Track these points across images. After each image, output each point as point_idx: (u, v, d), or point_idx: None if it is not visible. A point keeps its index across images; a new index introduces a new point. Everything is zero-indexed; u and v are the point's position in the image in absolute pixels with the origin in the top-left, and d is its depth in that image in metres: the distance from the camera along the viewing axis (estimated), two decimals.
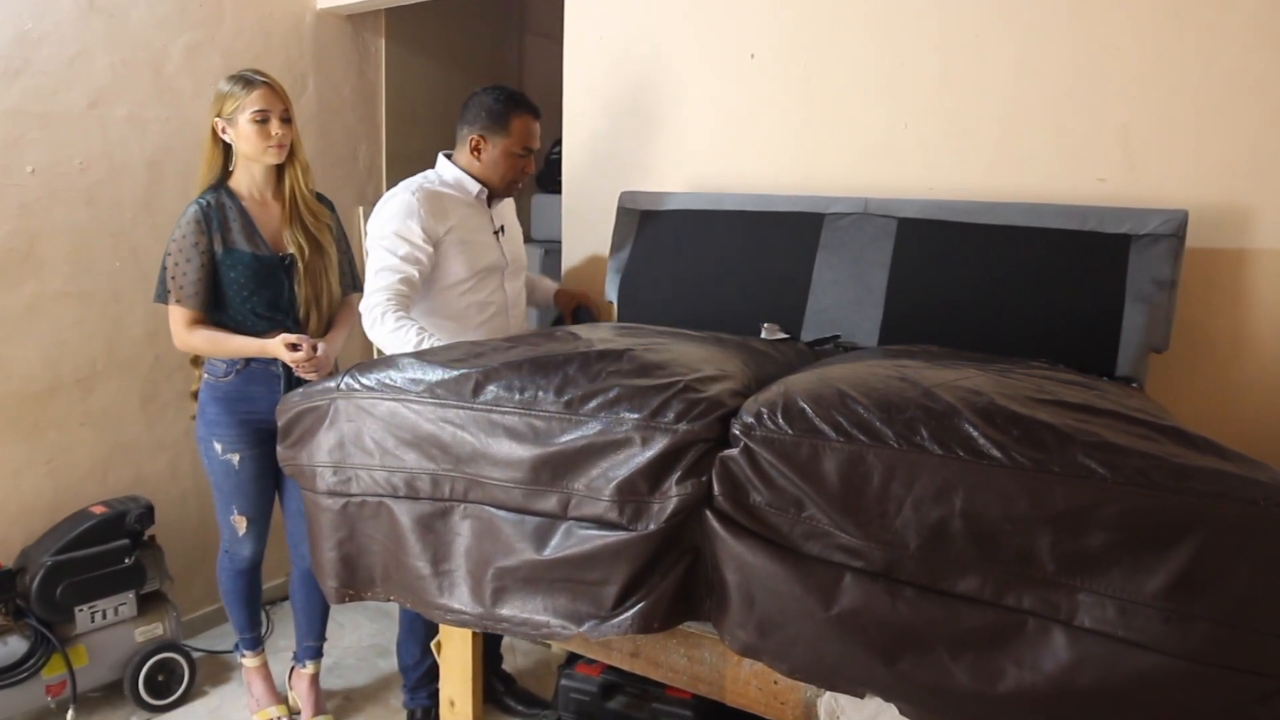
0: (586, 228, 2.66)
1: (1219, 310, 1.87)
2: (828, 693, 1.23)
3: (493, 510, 1.34)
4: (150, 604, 2.61)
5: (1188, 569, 0.95)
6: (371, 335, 2.04)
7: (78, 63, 2.57)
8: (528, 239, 2.62)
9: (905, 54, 2.14)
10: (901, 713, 1.11)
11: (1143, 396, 1.53)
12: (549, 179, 3.91)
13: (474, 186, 2.24)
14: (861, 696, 1.16)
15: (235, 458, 2.27)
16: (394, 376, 1.43)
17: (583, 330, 1.73)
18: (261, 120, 2.15)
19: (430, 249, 2.11)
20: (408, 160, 3.50)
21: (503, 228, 2.31)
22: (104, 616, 2.48)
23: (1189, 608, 0.95)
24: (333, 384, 1.48)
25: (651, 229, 2.27)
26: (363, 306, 2.06)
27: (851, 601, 1.09)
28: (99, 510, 2.52)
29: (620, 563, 1.22)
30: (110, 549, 2.47)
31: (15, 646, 2.33)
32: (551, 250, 3.28)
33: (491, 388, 1.34)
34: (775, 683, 1.30)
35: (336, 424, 1.47)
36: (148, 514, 2.56)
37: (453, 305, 2.20)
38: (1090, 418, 1.13)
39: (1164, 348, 1.74)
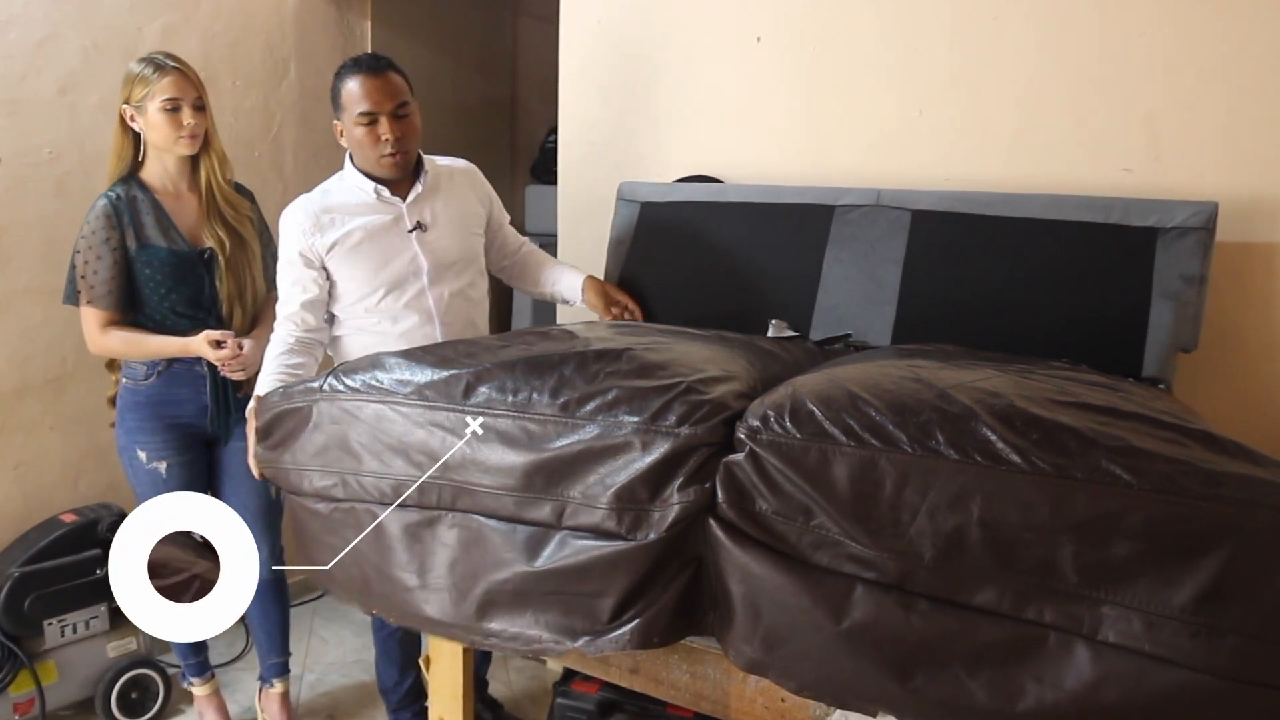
0: (583, 220, 2.66)
1: (1251, 308, 1.87)
2: (838, 711, 1.23)
3: (481, 519, 1.34)
4: (123, 618, 2.58)
5: (1217, 580, 0.95)
6: None
7: (47, 46, 2.56)
8: (522, 232, 2.58)
9: (920, 37, 2.14)
10: None
11: (1170, 399, 1.53)
12: (544, 169, 3.92)
13: (368, 183, 2.05)
14: (873, 715, 1.16)
15: (162, 465, 2.25)
16: (380, 377, 1.43)
17: (580, 328, 1.73)
18: (172, 109, 2.11)
19: (314, 271, 2.03)
20: None
21: (420, 224, 2.08)
22: (74, 630, 2.47)
23: (1219, 621, 0.95)
24: (315, 384, 1.49)
25: (653, 222, 2.27)
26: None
27: (863, 614, 1.09)
28: (69, 518, 2.51)
29: (617, 574, 1.22)
30: (81, 559, 2.47)
31: None
32: (547, 244, 3.28)
33: (483, 389, 1.34)
34: (783, 700, 1.30)
35: (321, 427, 1.47)
36: (121, 522, 2.56)
37: (363, 319, 2.09)
38: (1115, 421, 1.13)
39: (1192, 347, 1.74)
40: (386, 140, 1.98)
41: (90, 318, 2.16)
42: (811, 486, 1.12)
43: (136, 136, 2.19)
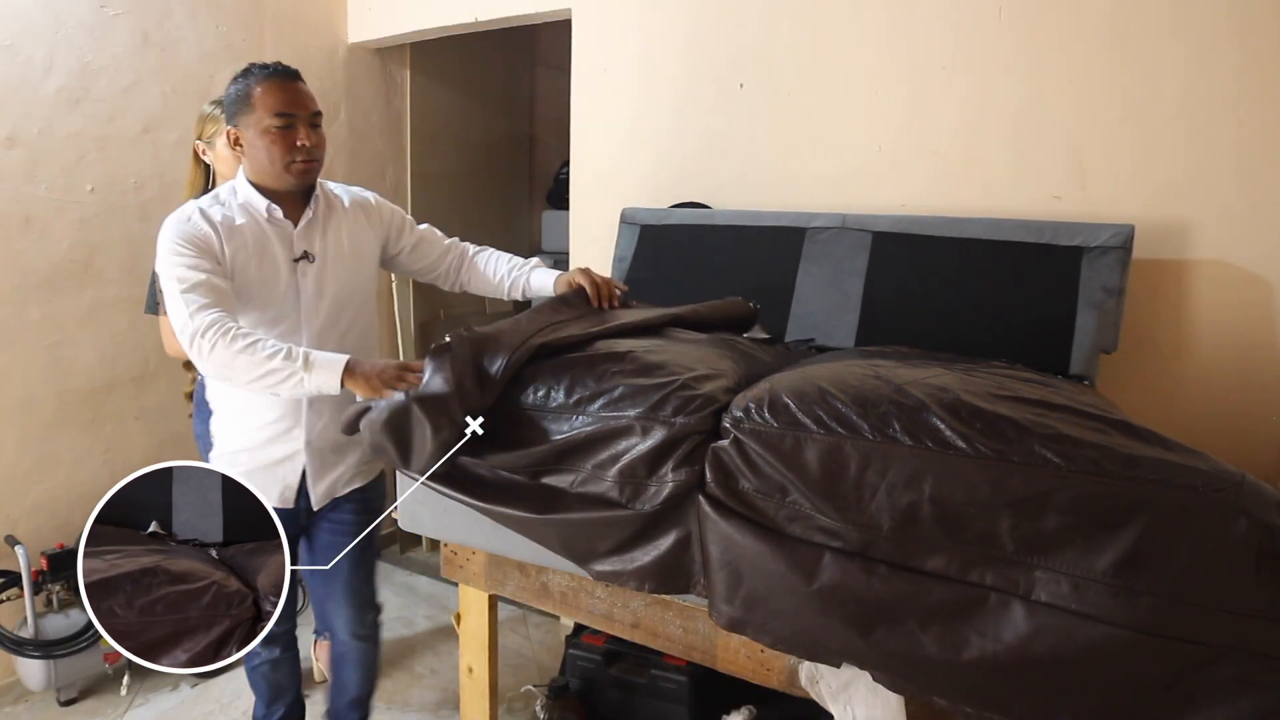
0: (592, 241, 2.66)
1: (1162, 314, 1.87)
2: (806, 661, 1.23)
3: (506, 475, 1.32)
4: None
5: (1134, 549, 0.95)
6: (210, 366, 1.43)
7: (133, 92, 2.57)
8: (537, 251, 2.56)
9: (879, 84, 2.14)
10: (875, 679, 1.11)
11: (1094, 393, 1.53)
12: (558, 196, 3.92)
13: (261, 203, 1.62)
14: (838, 666, 1.16)
15: None
16: None
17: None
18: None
19: (222, 271, 1.56)
20: (430, 179, 3.50)
21: (307, 254, 1.65)
22: None
23: (1135, 583, 0.95)
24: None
25: (651, 242, 2.27)
26: (183, 338, 1.46)
27: (830, 578, 1.09)
28: None
29: (614, 530, 1.23)
30: None
31: (76, 619, 2.33)
32: (560, 262, 3.29)
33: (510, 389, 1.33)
34: (762, 651, 1.30)
35: None
36: None
37: None
38: (1046, 412, 1.13)
39: (1113, 349, 1.74)
40: (303, 146, 1.59)
41: (168, 326, 2.15)
42: (787, 468, 1.12)
43: (208, 168, 2.18)
